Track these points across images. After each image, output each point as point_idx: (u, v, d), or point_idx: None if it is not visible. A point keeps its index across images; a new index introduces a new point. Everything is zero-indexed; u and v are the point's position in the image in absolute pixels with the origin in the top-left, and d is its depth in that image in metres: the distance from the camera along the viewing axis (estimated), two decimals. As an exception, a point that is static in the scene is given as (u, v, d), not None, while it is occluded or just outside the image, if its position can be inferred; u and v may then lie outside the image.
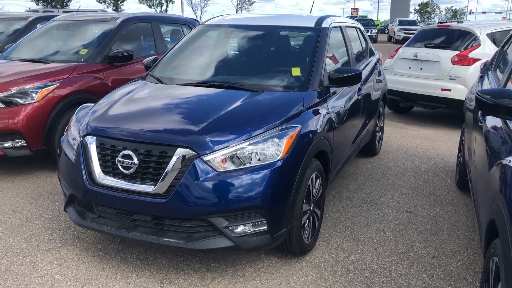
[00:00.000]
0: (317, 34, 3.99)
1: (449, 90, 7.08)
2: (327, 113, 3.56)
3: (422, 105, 7.81)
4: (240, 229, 2.83)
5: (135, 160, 2.82)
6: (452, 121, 7.93)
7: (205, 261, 3.23)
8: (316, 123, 3.30)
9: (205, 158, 2.76)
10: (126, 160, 2.84)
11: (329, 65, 3.96)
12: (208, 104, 3.26)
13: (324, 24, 4.13)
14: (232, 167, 2.80)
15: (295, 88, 3.55)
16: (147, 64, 4.33)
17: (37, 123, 4.72)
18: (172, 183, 2.75)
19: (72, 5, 47.94)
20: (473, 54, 7.04)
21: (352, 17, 54.38)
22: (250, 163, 2.83)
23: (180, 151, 2.76)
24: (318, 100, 3.53)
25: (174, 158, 2.76)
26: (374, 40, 34.73)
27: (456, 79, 7.06)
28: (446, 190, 4.69)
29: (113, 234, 2.98)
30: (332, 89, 3.80)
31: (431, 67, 7.38)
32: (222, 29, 4.41)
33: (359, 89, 4.47)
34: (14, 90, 4.68)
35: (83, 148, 3.05)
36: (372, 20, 40.54)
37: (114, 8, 51.02)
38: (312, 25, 4.10)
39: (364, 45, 5.44)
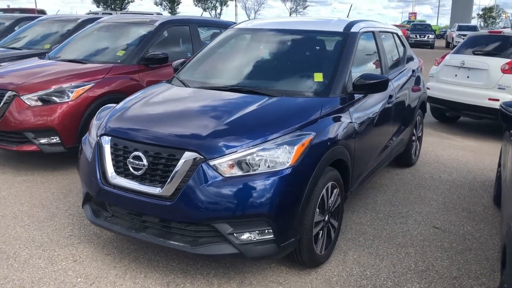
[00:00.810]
0: (344, 39, 3.88)
1: (497, 100, 6.68)
2: (349, 121, 3.44)
3: (468, 115, 7.43)
4: (245, 236, 2.78)
5: (145, 161, 2.85)
6: (499, 133, 7.49)
7: (214, 267, 3.20)
8: (333, 131, 3.20)
9: (212, 162, 2.74)
10: (136, 162, 2.87)
11: (357, 72, 3.84)
12: (222, 109, 3.24)
13: (354, 29, 4.00)
14: (239, 173, 2.75)
15: (316, 94, 3.46)
16: (175, 66, 4.37)
17: (71, 121, 4.89)
18: (178, 186, 2.75)
19: (132, 7, 49.82)
20: (525, 63, 6.62)
21: (409, 22, 52.86)
22: (258, 169, 2.78)
23: (187, 155, 2.76)
24: (340, 107, 3.42)
25: (181, 161, 2.75)
26: (431, 46, 33.61)
27: (505, 88, 6.67)
28: (481, 206, 4.41)
29: (123, 234, 3.02)
30: (357, 96, 3.68)
31: (479, 75, 7.01)
32: (248, 33, 4.39)
33: (390, 96, 4.30)
34: (52, 88, 4.88)
35: (99, 147, 3.11)
36: (429, 25, 39.18)
37: (170, 10, 52.44)
38: (341, 29, 3.99)
39: (401, 51, 5.24)
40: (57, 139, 4.88)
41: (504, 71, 6.70)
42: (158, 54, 5.60)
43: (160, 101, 3.49)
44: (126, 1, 50.02)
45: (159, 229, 2.94)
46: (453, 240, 3.70)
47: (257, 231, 2.79)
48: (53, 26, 8.16)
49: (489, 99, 6.79)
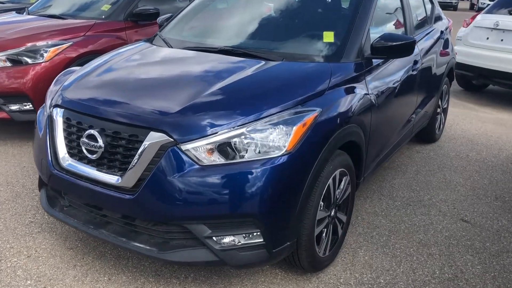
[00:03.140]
0: (363, -9, 3.14)
1: (535, 67, 5.89)
2: (365, 92, 2.77)
3: (500, 83, 6.63)
4: (227, 240, 2.19)
5: (101, 142, 2.23)
6: (535, 104, 6.73)
7: (194, 269, 2.63)
8: (344, 106, 2.54)
9: (185, 146, 2.11)
10: (90, 142, 2.26)
11: (376, 32, 3.13)
12: (205, 76, 2.59)
13: (375, -21, 3.25)
14: (221, 160, 2.13)
15: (325, 58, 2.78)
16: (160, 22, 3.70)
17: (46, 85, 4.24)
18: (142, 176, 2.14)
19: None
20: None
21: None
22: (245, 156, 2.15)
23: (153, 136, 2.13)
24: (354, 74, 2.75)
25: (144, 144, 2.13)
26: (454, 8, 31.98)
27: (545, 54, 5.85)
28: (518, 194, 3.76)
29: (80, 229, 2.44)
30: (376, 62, 2.99)
31: (515, 38, 6.17)
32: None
33: (415, 62, 3.59)
34: (23, 47, 4.25)
35: (50, 122, 2.50)
36: (453, -15, 37.22)
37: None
38: (359, -21, 3.24)
39: (428, 9, 4.46)
40: (30, 105, 4.28)
41: (544, 34, 5.87)
42: (149, 9, 4.91)
43: (132, 65, 2.83)
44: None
45: (122, 226, 2.36)
46: (485, 238, 3.08)
47: (242, 235, 2.20)
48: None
49: (526, 66, 5.99)
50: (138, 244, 2.25)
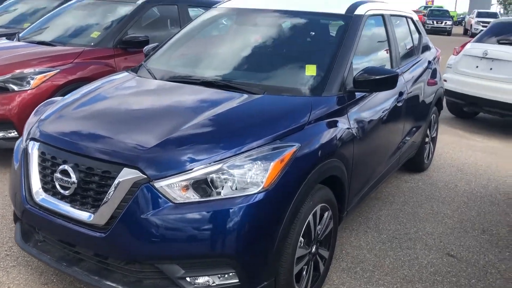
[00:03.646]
0: (346, 24, 3.16)
1: (524, 96, 5.91)
2: (347, 126, 2.74)
3: (489, 111, 6.65)
4: (201, 280, 2.14)
5: (74, 178, 2.19)
6: (525, 132, 6.73)
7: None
8: (325, 140, 2.51)
9: (158, 184, 2.07)
10: (63, 177, 2.21)
11: (360, 64, 3.13)
12: (184, 109, 2.56)
13: (358, 11, 3.27)
14: (195, 198, 2.09)
15: (307, 92, 2.77)
16: (146, 52, 3.69)
17: (31, 112, 4.24)
18: (114, 213, 2.10)
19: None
20: (558, 54, 5.81)
21: (426, 7, 51.17)
22: (220, 193, 2.11)
23: (126, 172, 2.09)
24: (335, 108, 2.73)
25: (117, 181, 2.09)
26: (448, 33, 32.30)
27: (534, 83, 5.88)
28: (506, 227, 3.71)
29: (53, 266, 2.38)
30: (359, 94, 2.98)
31: (504, 67, 6.21)
32: (231, 14, 3.67)
33: (401, 94, 3.58)
34: (10, 74, 4.24)
35: (25, 155, 2.46)
36: (447, 11, 37.77)
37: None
38: (343, 12, 3.26)
39: (416, 39, 4.49)
40: (15, 133, 4.24)
41: (533, 63, 5.91)
42: (138, 36, 4.92)
43: (112, 98, 2.80)
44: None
45: (95, 264, 2.29)
46: (471, 274, 3.02)
47: (217, 275, 2.14)
48: (36, 4, 7.50)
49: (515, 94, 6.01)
50: (110, 283, 2.18)
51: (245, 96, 2.66)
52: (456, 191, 4.39)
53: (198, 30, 3.67)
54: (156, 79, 3.06)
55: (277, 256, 2.23)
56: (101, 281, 2.20)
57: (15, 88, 4.22)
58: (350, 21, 3.16)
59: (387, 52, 3.65)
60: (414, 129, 4.15)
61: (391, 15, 3.85)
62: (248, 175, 2.14)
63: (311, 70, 2.88)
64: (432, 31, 32.13)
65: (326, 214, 2.63)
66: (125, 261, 2.17)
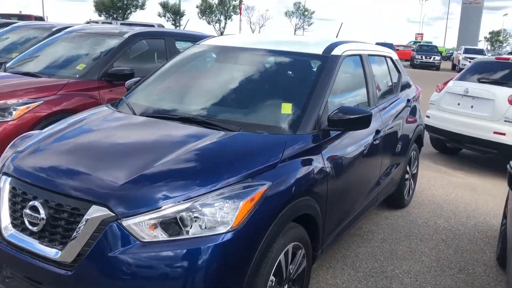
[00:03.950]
0: (323, 63, 3.23)
1: (504, 134, 6.01)
2: (321, 164, 2.78)
3: (471, 148, 6.75)
4: (167, 320, 2.11)
5: (43, 214, 2.18)
6: (505, 169, 6.79)
7: None
8: (297, 179, 2.54)
9: (126, 222, 2.07)
10: (32, 214, 2.21)
11: (337, 103, 3.20)
12: (158, 146, 2.58)
13: (336, 52, 3.36)
14: (163, 237, 2.09)
15: (281, 130, 2.81)
16: (128, 86, 3.74)
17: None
18: (81, 251, 2.09)
19: (133, 17, 49.19)
20: (536, 94, 5.96)
21: (416, 42, 52.25)
22: (189, 232, 2.11)
23: (94, 210, 2.09)
24: (309, 146, 2.77)
25: (85, 218, 2.09)
26: (436, 67, 32.97)
27: (513, 121, 6.00)
28: (482, 265, 3.72)
29: (18, 304, 2.34)
30: (334, 133, 3.02)
31: (484, 105, 6.34)
32: (212, 51, 3.75)
33: (377, 132, 3.64)
34: (-9, 106, 4.25)
35: (-4, 190, 2.46)
36: (435, 46, 38.63)
37: (173, 23, 51.98)
38: (320, 52, 3.34)
39: (395, 78, 4.59)
40: (-5, 163, 4.22)
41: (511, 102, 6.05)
42: (123, 69, 4.97)
43: (88, 133, 2.83)
44: (129, 11, 49.67)
45: (62, 302, 2.26)
46: (446, 314, 3.01)
47: (185, 315, 2.12)
48: (27, 34, 7.58)
49: (495, 132, 6.11)
50: (76, 323, 2.16)
51: (221, 133, 2.69)
52: (435, 228, 4.41)
53: (179, 66, 3.73)
54: (135, 114, 3.09)
55: (246, 296, 2.22)
56: (67, 320, 2.17)
57: (-4, 118, 4.23)
58: (327, 61, 3.24)
59: (364, 91, 3.73)
60: (393, 166, 4.20)
61: (369, 55, 3.95)
62: (218, 214, 2.15)
63: (286, 109, 2.93)
64: (421, 66, 32.81)
65: (299, 252, 2.63)
66: (91, 300, 2.14)
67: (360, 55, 3.76)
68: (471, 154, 7.60)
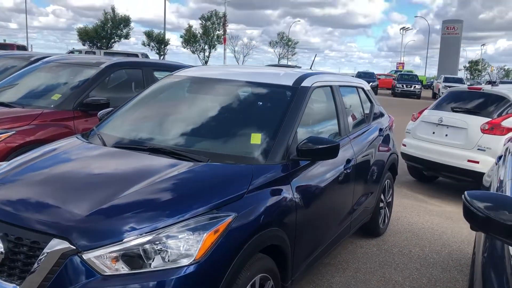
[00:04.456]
0: (292, 95, 3.29)
1: (477, 162, 6.12)
2: (289, 194, 2.79)
3: (446, 176, 6.85)
4: None
5: (1, 248, 2.14)
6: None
7: None
8: (264, 209, 2.54)
9: (87, 255, 2.04)
10: (-9, 248, 2.17)
11: (306, 133, 3.24)
12: (123, 178, 2.58)
13: (305, 83, 3.42)
14: (125, 270, 2.06)
15: (250, 160, 2.82)
16: (100, 116, 3.74)
17: (-18, 174, 4.18)
18: (40, 286, 2.04)
19: (118, 47, 49.52)
20: (507, 123, 6.10)
21: (397, 71, 53.42)
22: (151, 265, 2.09)
23: (54, 243, 2.07)
24: (277, 177, 2.78)
25: (44, 252, 2.06)
26: (417, 96, 33.63)
27: (485, 150, 6.11)
28: (455, 294, 3.72)
29: None
30: (304, 162, 3.05)
31: (458, 134, 6.47)
32: (185, 82, 3.78)
33: (348, 161, 3.68)
34: (-38, 136, 4.21)
35: (-43, 223, 2.41)
36: (416, 75, 39.50)
37: (157, 52, 52.49)
38: (290, 83, 3.40)
39: (366, 108, 4.68)
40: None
41: (484, 131, 6.18)
42: (99, 99, 4.98)
43: (53, 165, 2.80)
44: (113, 40, 50.01)
45: None
46: None
47: None
48: (5, 63, 7.56)
49: (468, 160, 6.22)
50: None
51: (190, 163, 2.70)
52: (410, 257, 4.42)
53: (151, 96, 3.76)
54: (105, 145, 3.09)
55: (209, 330, 2.18)
56: None
57: (-32, 149, 4.18)
58: (297, 92, 3.30)
59: (335, 121, 3.78)
60: (366, 194, 4.23)
61: (340, 86, 4.02)
62: (181, 246, 2.14)
63: (256, 139, 2.95)
64: (402, 94, 33.43)
65: (267, 284, 2.61)
66: (49, 337, 2.09)
67: (331, 86, 3.83)
68: (447, 182, 7.70)
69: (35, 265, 2.06)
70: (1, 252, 2.14)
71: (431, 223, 5.51)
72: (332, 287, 3.68)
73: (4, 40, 34.66)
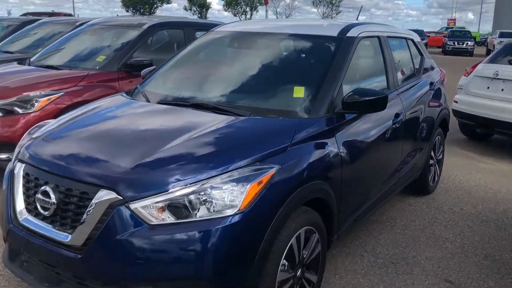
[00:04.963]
0: (337, 46, 3.15)
1: (536, 117, 5.77)
2: (334, 148, 2.71)
3: (501, 133, 6.50)
4: (175, 303, 2.11)
5: (53, 199, 2.21)
6: (540, 154, 6.53)
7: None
8: (308, 163, 2.48)
9: (133, 205, 2.07)
10: (44, 198, 2.24)
11: (352, 86, 3.11)
12: (167, 131, 2.58)
13: (351, 33, 3.27)
14: (171, 220, 2.08)
15: (293, 114, 2.76)
16: (144, 75, 3.76)
17: (35, 135, 4.34)
18: (90, 235, 2.10)
19: (160, 12, 49.67)
20: None
21: (448, 28, 50.84)
22: (196, 215, 2.10)
23: (102, 194, 2.10)
24: (322, 130, 2.70)
25: (93, 202, 2.10)
26: (469, 53, 31.96)
27: (545, 104, 5.74)
28: (510, 252, 3.57)
29: (35, 287, 2.39)
30: (350, 116, 2.95)
31: (515, 88, 6.08)
32: (224, 37, 3.71)
33: (397, 115, 3.53)
34: (15, 98, 4.36)
35: (11, 176, 2.51)
36: (468, 32, 37.40)
37: (199, 16, 52.17)
38: (335, 34, 3.27)
39: (416, 60, 4.45)
40: (19, 154, 4.33)
41: (544, 84, 5.78)
42: (142, 60, 5.01)
43: (100, 120, 2.85)
44: (155, 5, 50.16)
45: (75, 285, 2.29)
46: (468, 301, 2.91)
47: (194, 299, 2.11)
48: (52, 29, 7.74)
49: (526, 116, 5.87)
50: (88, 305, 2.18)
51: (231, 118, 2.67)
52: (461, 214, 4.27)
53: (193, 53, 3.72)
54: (148, 101, 3.10)
55: (256, 279, 2.19)
56: (79, 303, 2.20)
57: (20, 111, 4.33)
58: (342, 43, 3.16)
59: (383, 74, 3.62)
60: (415, 151, 4.08)
61: (388, 37, 3.83)
62: (225, 196, 2.13)
63: (298, 92, 2.87)
64: (453, 52, 31.83)
65: (312, 237, 2.58)
66: (101, 283, 2.16)
67: (378, 37, 3.65)
68: (501, 139, 7.33)
69: (85, 215, 2.11)
70: (53, 202, 2.21)
71: (484, 181, 5.28)
72: (379, 243, 3.62)
73: (52, 11, 35.63)
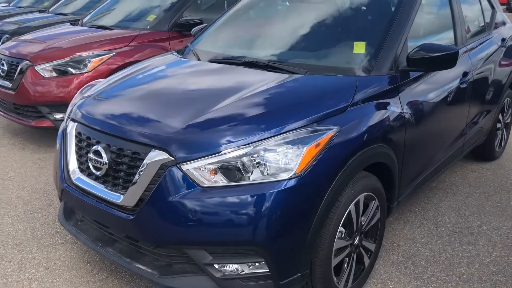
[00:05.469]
0: (401, -2, 2.88)
1: None
2: (398, 109, 2.51)
3: None
4: (230, 268, 2.05)
5: (105, 158, 2.17)
6: None
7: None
8: (369, 124, 2.30)
9: (185, 166, 1.99)
10: (96, 158, 2.20)
11: (417, 41, 2.85)
12: (219, 91, 2.46)
13: (416, -18, 2.98)
14: (223, 182, 1.99)
15: (353, 71, 2.56)
16: (194, 33, 3.64)
17: (88, 95, 4.37)
18: (142, 195, 2.05)
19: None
20: None
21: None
22: (250, 178, 1.99)
23: (153, 154, 2.03)
24: (385, 89, 2.50)
25: (145, 162, 2.04)
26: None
27: None
28: None
29: (88, 246, 2.40)
30: (414, 74, 2.72)
31: None
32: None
33: (465, 74, 3.24)
34: (69, 58, 4.38)
35: (64, 135, 2.49)
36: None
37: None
38: (399, -16, 2.98)
39: (487, 15, 4.06)
40: (73, 115, 4.39)
41: None
42: (192, 19, 4.89)
43: (151, 79, 2.76)
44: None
45: (127, 246, 2.28)
46: (541, 276, 2.69)
47: (246, 264, 2.04)
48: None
49: None
50: (141, 266, 2.16)
51: (285, 76, 2.51)
52: (530, 183, 3.96)
53: (244, 10, 3.54)
54: (199, 60, 2.99)
55: (312, 247, 2.09)
56: (132, 264, 2.19)
57: (73, 71, 4.36)
58: (407, -5, 2.88)
59: (451, 29, 3.31)
60: (482, 114, 3.77)
61: (457, -13, 3.48)
62: (280, 159, 2.01)
63: (359, 48, 2.66)
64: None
65: (371, 204, 2.44)
66: (153, 245, 2.13)
67: (446, -13, 3.32)
68: None
69: (137, 176, 2.05)
70: (105, 162, 2.17)
71: (557, 147, 4.88)
72: (440, 211, 3.42)
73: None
